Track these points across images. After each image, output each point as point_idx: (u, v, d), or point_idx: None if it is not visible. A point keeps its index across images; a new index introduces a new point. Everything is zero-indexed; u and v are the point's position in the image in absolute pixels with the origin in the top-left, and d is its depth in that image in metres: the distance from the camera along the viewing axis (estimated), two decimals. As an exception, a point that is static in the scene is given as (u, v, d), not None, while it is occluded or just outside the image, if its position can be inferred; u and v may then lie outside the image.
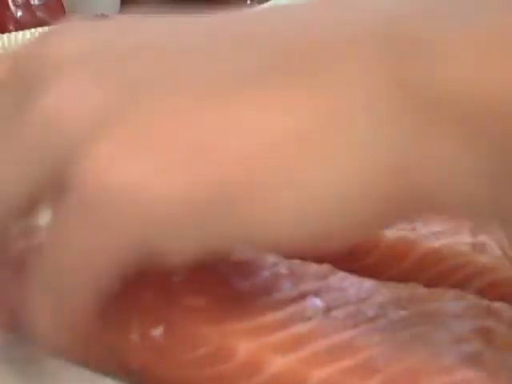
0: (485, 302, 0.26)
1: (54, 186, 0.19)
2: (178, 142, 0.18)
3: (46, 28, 0.73)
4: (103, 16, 0.89)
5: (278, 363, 0.23)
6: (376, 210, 0.19)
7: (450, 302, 0.26)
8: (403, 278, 0.29)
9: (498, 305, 0.25)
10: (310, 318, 0.25)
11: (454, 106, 0.18)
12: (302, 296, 0.26)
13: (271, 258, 0.29)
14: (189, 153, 0.18)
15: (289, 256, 0.27)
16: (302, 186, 0.19)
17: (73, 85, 0.18)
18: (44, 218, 0.23)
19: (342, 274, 0.28)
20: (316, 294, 0.26)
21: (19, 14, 0.84)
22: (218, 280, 0.27)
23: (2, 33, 0.75)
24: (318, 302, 0.26)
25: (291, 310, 0.25)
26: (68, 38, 0.21)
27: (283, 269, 0.28)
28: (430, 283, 0.28)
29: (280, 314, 0.25)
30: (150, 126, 0.18)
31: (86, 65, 0.19)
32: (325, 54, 0.19)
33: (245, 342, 0.24)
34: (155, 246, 0.19)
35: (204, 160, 0.18)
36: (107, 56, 0.20)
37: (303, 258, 0.29)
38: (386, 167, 0.19)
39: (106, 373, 0.28)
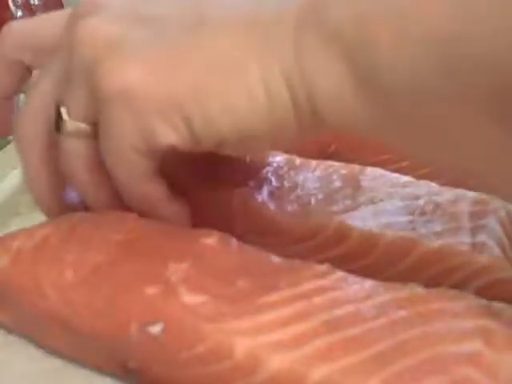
0: (485, 302, 0.26)
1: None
2: (160, 62, 0.28)
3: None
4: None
5: (277, 362, 0.23)
6: (269, 121, 0.27)
7: (449, 301, 0.26)
8: (403, 278, 0.29)
9: (497, 305, 0.25)
10: (309, 318, 0.25)
11: (332, 32, 0.24)
12: (302, 296, 0.26)
13: (273, 257, 0.29)
14: (164, 70, 0.28)
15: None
16: (228, 101, 0.27)
17: (100, 24, 0.29)
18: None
19: (341, 274, 0.28)
20: (316, 293, 0.26)
21: (19, 14, 0.84)
22: (217, 278, 0.27)
23: (2, 33, 0.75)
24: (317, 302, 0.26)
25: (290, 309, 0.25)
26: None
27: (283, 268, 0.28)
28: (429, 283, 0.28)
29: (279, 313, 0.25)
30: (144, 50, 0.28)
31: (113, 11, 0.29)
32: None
33: (244, 340, 0.24)
34: (151, 128, 0.28)
35: (174, 75, 0.27)
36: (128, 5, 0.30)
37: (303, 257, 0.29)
38: (274, 84, 0.26)
39: (106, 372, 0.28)
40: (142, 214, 0.31)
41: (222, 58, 0.27)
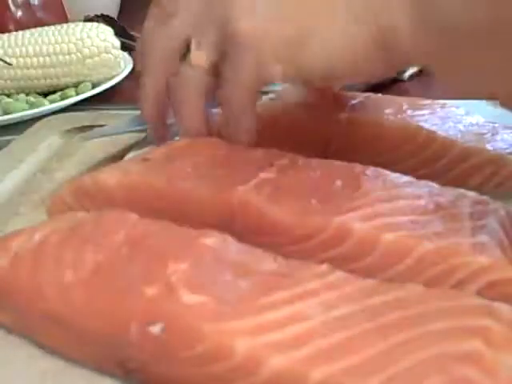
0: (485, 302, 0.26)
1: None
2: (275, 15, 0.37)
3: (46, 28, 0.73)
4: (103, 16, 0.89)
5: (277, 362, 0.23)
6: (363, 57, 0.35)
7: (450, 301, 0.26)
8: (403, 278, 0.29)
9: (497, 305, 0.25)
10: (309, 318, 0.25)
11: None
12: (302, 296, 0.26)
13: (273, 257, 0.29)
14: (277, 18, 0.37)
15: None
16: (324, 39, 0.36)
17: None
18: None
19: (341, 274, 0.28)
20: (316, 293, 0.26)
21: (19, 13, 0.84)
22: (217, 278, 0.27)
23: (2, 33, 0.75)
24: (317, 302, 0.26)
25: (291, 309, 0.25)
26: None
27: (283, 268, 0.28)
28: (429, 283, 0.28)
29: (280, 314, 0.25)
30: (266, 12, 0.37)
31: None
32: None
33: (244, 340, 0.24)
34: (266, 67, 0.37)
35: (284, 24, 0.37)
36: None
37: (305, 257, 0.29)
38: (367, 30, 0.34)
39: (106, 372, 0.28)
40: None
41: (322, 9, 0.36)
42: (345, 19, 0.35)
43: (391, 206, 0.32)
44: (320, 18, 0.36)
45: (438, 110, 0.44)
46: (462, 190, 0.34)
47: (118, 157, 0.49)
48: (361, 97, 0.46)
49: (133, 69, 0.73)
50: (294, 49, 0.36)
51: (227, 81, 0.38)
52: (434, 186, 0.35)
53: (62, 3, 0.89)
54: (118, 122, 0.53)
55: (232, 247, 0.30)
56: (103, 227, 0.31)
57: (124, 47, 0.76)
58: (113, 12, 1.00)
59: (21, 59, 0.70)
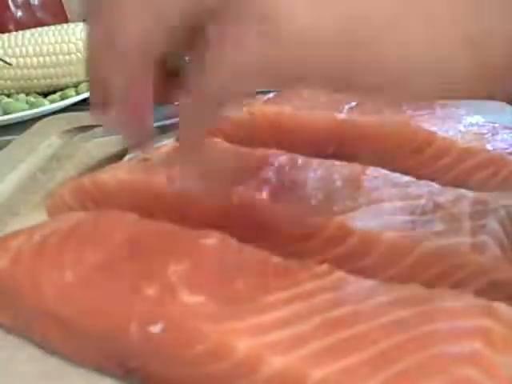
0: (485, 302, 0.26)
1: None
2: None
3: (46, 28, 0.73)
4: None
5: (278, 362, 0.23)
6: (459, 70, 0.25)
7: (449, 302, 0.26)
8: (403, 278, 0.29)
9: (497, 305, 0.25)
10: (309, 318, 0.25)
11: None
12: (302, 296, 0.26)
13: (273, 258, 0.29)
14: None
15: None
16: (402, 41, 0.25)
17: None
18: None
19: (341, 274, 0.28)
20: (316, 293, 0.26)
21: (19, 14, 0.84)
22: (217, 278, 0.27)
23: (2, 33, 0.75)
24: (317, 302, 0.26)
25: (290, 309, 0.25)
26: None
27: (283, 268, 0.28)
28: (429, 283, 0.28)
29: (279, 313, 0.25)
30: None
31: None
32: None
33: (244, 340, 0.24)
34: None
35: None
36: None
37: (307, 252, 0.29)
38: (463, 37, 0.25)
39: (105, 372, 0.28)
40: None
41: None
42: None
43: (391, 206, 0.32)
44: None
45: (438, 110, 0.44)
46: (462, 190, 0.34)
47: (117, 157, 0.49)
48: (361, 97, 0.46)
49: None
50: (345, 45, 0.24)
51: (200, 73, 0.25)
52: (434, 185, 0.35)
53: (61, 3, 0.89)
54: (118, 122, 0.53)
55: (232, 247, 0.30)
56: (103, 227, 0.31)
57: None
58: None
59: (21, 59, 0.70)
